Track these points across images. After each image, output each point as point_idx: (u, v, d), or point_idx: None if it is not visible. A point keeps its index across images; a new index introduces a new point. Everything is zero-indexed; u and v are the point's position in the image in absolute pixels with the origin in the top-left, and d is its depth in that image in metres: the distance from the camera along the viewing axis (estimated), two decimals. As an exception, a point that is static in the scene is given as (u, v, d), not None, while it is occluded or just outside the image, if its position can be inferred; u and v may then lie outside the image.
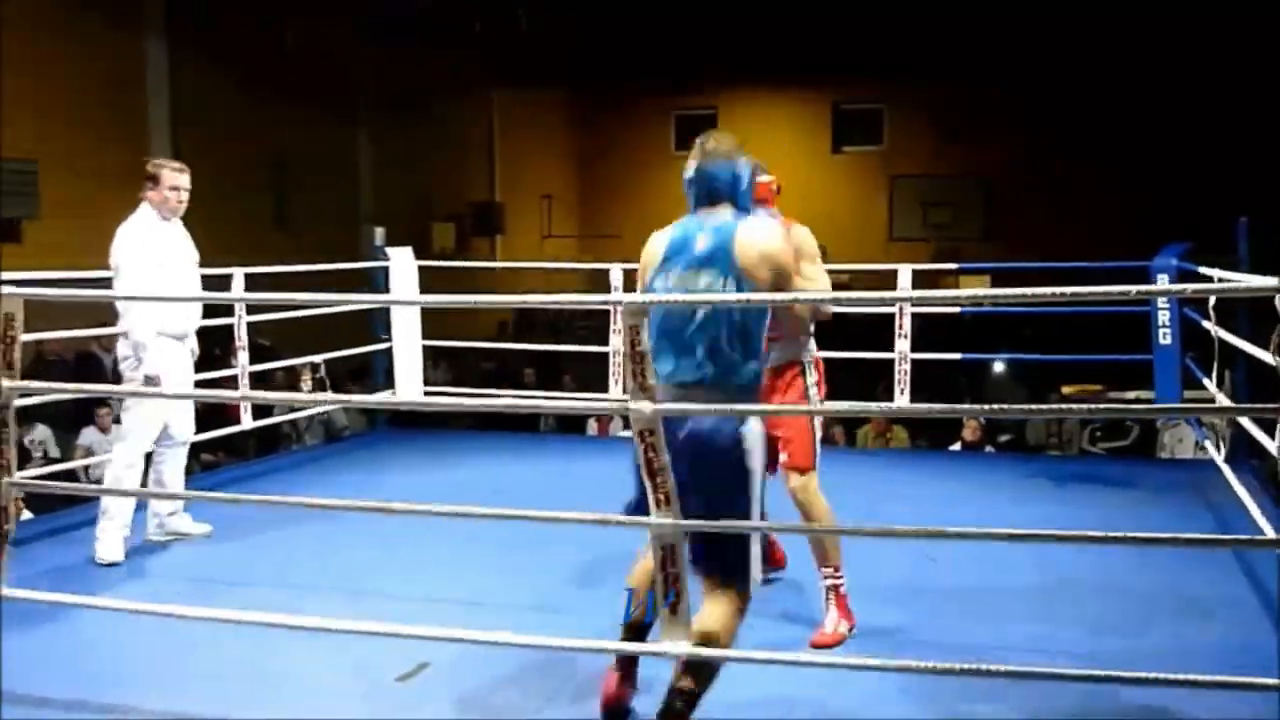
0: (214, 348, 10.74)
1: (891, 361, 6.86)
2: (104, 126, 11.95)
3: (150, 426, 5.18)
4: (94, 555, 4.99)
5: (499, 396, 7.92)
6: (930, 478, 6.87)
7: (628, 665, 3.35)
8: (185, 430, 5.40)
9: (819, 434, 4.14)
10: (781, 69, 19.59)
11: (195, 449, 9.02)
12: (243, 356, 6.65)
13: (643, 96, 20.94)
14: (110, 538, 5.01)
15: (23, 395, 5.49)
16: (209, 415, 8.93)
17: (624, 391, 3.23)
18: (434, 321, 7.93)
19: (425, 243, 15.49)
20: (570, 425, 10.67)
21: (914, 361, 6.85)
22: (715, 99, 21.26)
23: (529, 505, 3.55)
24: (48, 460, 8.71)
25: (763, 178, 3.97)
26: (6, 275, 5.35)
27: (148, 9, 12.63)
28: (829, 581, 4.04)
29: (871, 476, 6.95)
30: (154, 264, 5.10)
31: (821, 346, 7.25)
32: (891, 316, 6.91)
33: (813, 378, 4.20)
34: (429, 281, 7.86)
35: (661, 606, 3.05)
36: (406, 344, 7.60)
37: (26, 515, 6.06)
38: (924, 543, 4.77)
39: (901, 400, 6.81)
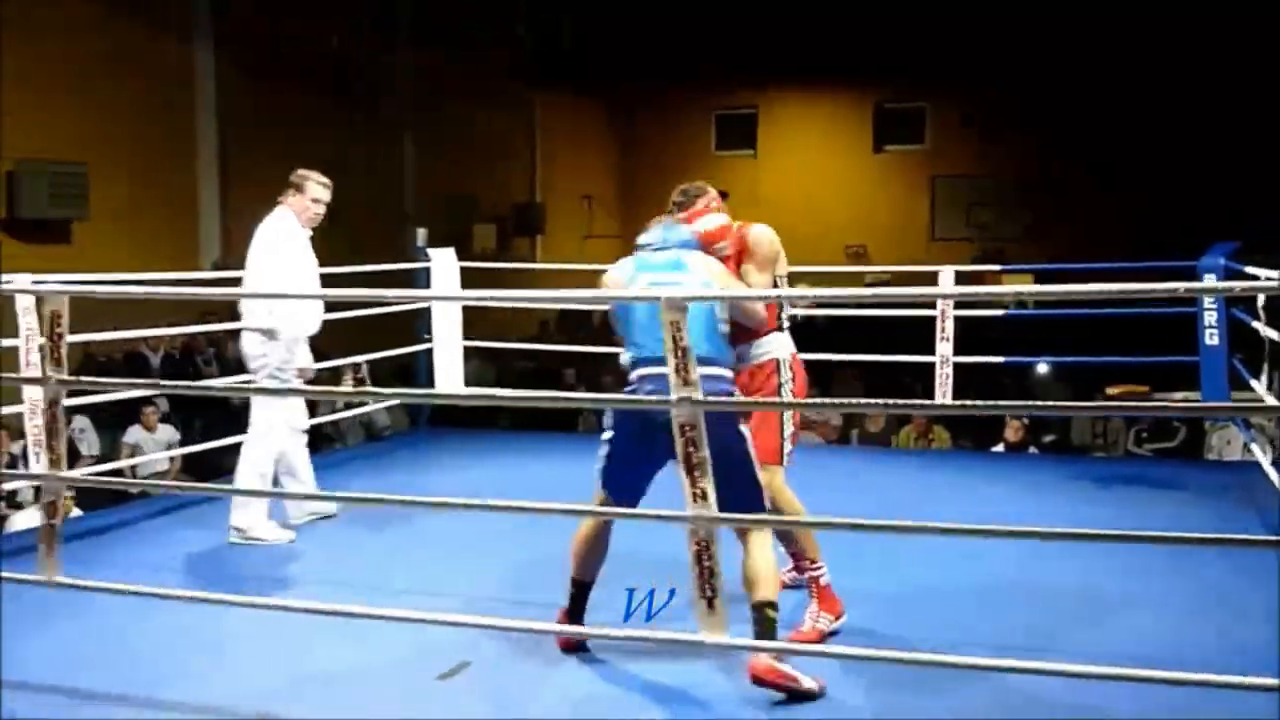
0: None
1: (933, 365, 6.81)
2: (152, 129, 12.12)
3: (281, 422, 5.41)
4: (255, 539, 5.23)
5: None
6: (972, 478, 6.82)
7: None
8: (302, 420, 5.66)
9: (789, 430, 4.09)
10: (823, 68, 19.51)
11: (240, 448, 9.17)
12: (287, 356, 6.69)
13: (684, 96, 20.92)
14: (263, 523, 5.27)
15: (71, 393, 5.58)
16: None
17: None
18: (475, 321, 7.97)
19: (467, 244, 15.55)
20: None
21: (956, 365, 6.79)
22: (756, 98, 21.23)
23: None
24: (97, 458, 8.83)
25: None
26: (56, 276, 5.45)
27: (196, 15, 12.78)
28: (807, 574, 4.03)
29: (912, 477, 6.92)
30: (291, 266, 5.31)
31: (861, 350, 7.24)
32: (933, 319, 6.85)
33: (786, 375, 4.12)
34: (470, 282, 7.89)
35: (699, 601, 3.08)
36: (448, 344, 7.64)
37: (76, 513, 6.16)
38: (961, 543, 4.74)
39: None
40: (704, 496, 3.08)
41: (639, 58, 19.53)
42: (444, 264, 7.68)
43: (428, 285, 7.64)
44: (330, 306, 7.56)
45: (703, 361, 3.26)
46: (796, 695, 3.43)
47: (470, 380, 8.29)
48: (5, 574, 3.99)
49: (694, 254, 3.86)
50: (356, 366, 9.66)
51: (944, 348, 6.77)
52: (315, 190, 5.42)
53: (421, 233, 8.17)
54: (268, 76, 13.43)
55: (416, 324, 7.96)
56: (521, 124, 19.37)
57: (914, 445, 9.67)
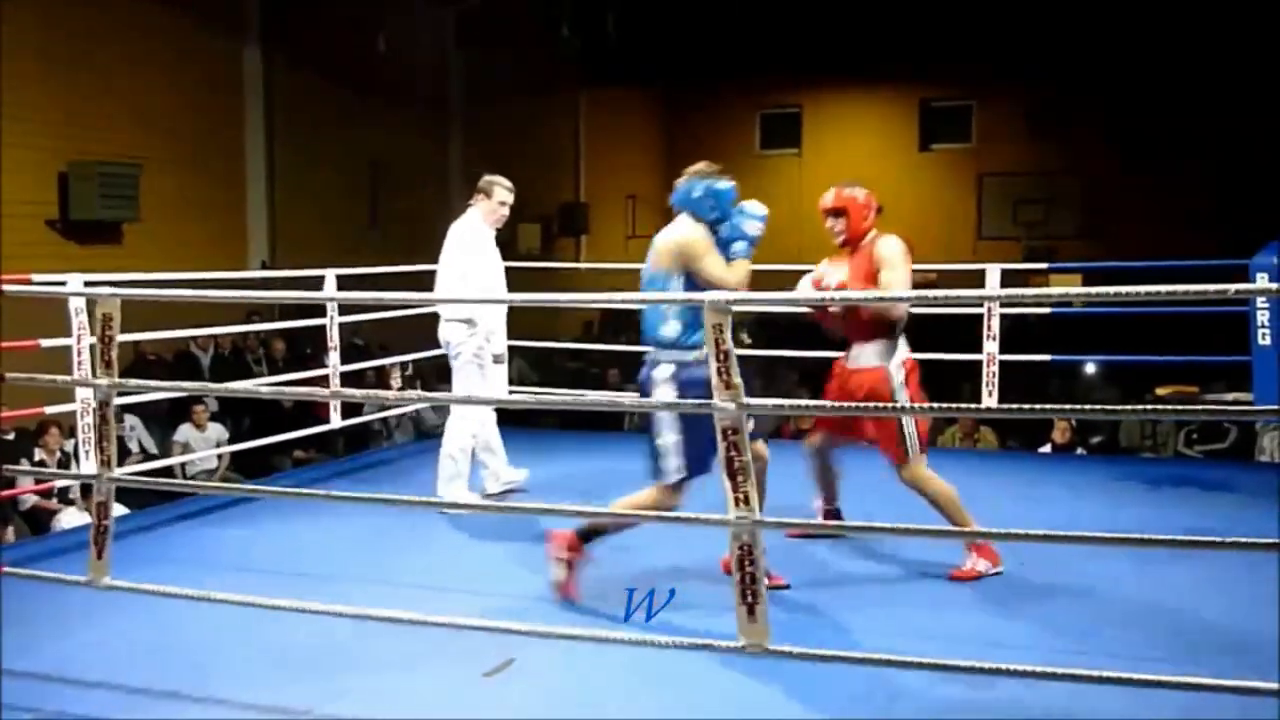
0: (306, 348, 10.98)
1: (979, 362, 6.77)
2: (201, 130, 12.24)
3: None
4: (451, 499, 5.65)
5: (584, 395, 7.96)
6: (1018, 480, 6.76)
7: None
8: (501, 396, 6.29)
9: (910, 427, 4.44)
10: (868, 66, 19.41)
11: (288, 446, 9.27)
12: (334, 356, 6.77)
13: (728, 95, 20.87)
14: (465, 495, 5.72)
15: (121, 394, 5.64)
16: (300, 414, 9.12)
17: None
18: (520, 321, 7.99)
19: (512, 243, 15.60)
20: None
21: (1002, 363, 6.75)
22: (801, 97, 21.15)
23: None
24: (145, 454, 8.94)
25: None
26: (108, 276, 5.52)
27: (245, 15, 12.91)
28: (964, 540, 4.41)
29: (958, 479, 6.85)
30: (480, 263, 5.80)
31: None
32: (979, 317, 6.81)
33: (899, 379, 4.52)
34: (515, 282, 7.91)
35: (740, 607, 3.06)
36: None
37: (121, 510, 6.24)
38: (1013, 545, 4.70)
39: (990, 403, 6.70)
40: (746, 501, 3.05)
41: (684, 57, 19.51)
42: (490, 264, 7.69)
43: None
44: (377, 305, 7.64)
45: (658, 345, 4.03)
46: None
47: (515, 380, 8.33)
48: (57, 575, 4.06)
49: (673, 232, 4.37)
50: (405, 365, 9.74)
51: (990, 346, 6.73)
52: (501, 194, 5.93)
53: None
54: (316, 77, 13.55)
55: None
56: (567, 123, 19.40)
57: (959, 445, 9.60)
